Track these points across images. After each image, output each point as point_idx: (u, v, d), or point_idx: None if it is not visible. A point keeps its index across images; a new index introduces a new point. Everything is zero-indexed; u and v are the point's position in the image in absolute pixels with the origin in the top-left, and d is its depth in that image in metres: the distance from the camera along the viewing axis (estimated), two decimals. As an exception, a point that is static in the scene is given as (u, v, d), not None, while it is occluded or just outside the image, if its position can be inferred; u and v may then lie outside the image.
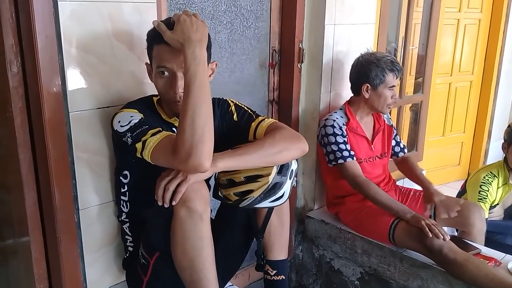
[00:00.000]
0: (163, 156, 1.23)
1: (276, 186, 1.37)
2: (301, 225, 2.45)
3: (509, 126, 2.38)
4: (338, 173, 2.15)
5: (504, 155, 2.41)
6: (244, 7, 2.04)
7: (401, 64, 2.77)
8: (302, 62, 2.21)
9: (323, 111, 2.29)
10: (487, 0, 3.56)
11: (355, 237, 2.18)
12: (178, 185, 1.22)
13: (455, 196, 2.47)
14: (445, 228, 1.92)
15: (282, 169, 1.37)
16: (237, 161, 1.29)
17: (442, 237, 1.80)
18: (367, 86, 2.07)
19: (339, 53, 2.27)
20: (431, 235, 1.81)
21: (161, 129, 1.28)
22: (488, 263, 1.89)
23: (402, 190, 2.35)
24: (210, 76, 1.38)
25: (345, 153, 2.05)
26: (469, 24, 3.55)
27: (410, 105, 3.14)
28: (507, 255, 2.00)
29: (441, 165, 3.79)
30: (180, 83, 1.27)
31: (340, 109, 2.18)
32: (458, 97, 3.69)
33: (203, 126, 1.17)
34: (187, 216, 1.23)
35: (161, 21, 1.29)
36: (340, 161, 2.06)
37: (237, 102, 1.54)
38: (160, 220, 1.31)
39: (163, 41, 1.24)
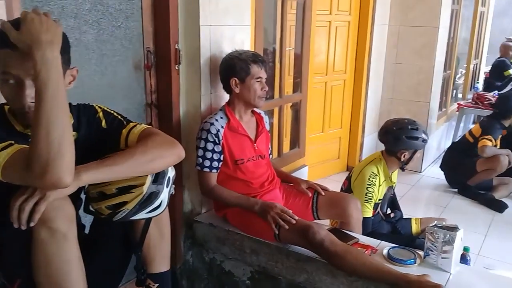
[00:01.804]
0: (15, 173, 1.09)
1: (152, 196, 1.29)
2: (190, 230, 2.39)
3: (413, 125, 2.50)
4: (223, 175, 2.14)
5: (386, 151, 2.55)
6: (111, 5, 1.91)
7: (280, 65, 2.87)
8: (179, 63, 2.15)
9: (205, 113, 2.25)
10: (355, 4, 3.82)
11: (243, 238, 2.18)
12: (36, 203, 1.08)
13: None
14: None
15: (158, 178, 1.30)
16: (105, 172, 1.19)
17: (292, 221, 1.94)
18: (235, 80, 2.10)
19: (217, 54, 2.24)
20: (277, 232, 1.96)
21: (12, 142, 1.13)
22: (365, 251, 2.01)
23: (287, 187, 2.40)
24: (70, 83, 1.26)
25: (206, 163, 2.08)
26: (340, 26, 3.77)
27: (290, 104, 3.25)
28: (382, 241, 2.14)
29: (322, 160, 3.99)
30: (29, 92, 1.13)
31: (221, 110, 2.16)
32: (333, 95, 3.90)
33: (60, 138, 1.05)
34: (49, 237, 1.10)
35: (9, 21, 1.14)
36: (198, 167, 2.10)
37: (105, 108, 1.42)
38: (18, 244, 1.16)
39: (7, 44, 1.09)
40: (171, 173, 1.34)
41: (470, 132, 3.91)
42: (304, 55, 3.10)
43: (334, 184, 2.74)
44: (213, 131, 2.06)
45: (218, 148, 2.08)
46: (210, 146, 2.07)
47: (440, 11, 3.92)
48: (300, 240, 1.93)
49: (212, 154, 2.08)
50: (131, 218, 1.30)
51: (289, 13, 3.07)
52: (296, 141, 3.29)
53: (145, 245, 1.44)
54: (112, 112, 1.42)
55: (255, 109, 2.25)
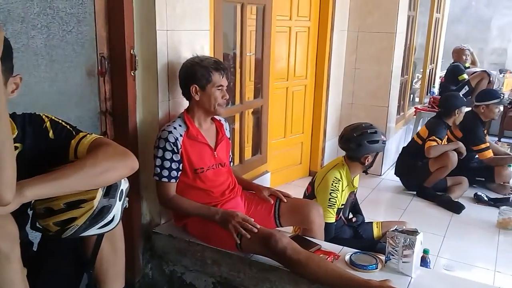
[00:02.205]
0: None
1: (103, 211, 1.22)
2: (148, 242, 2.31)
3: (371, 128, 2.51)
4: (182, 185, 2.08)
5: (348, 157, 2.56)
6: (62, 9, 1.82)
7: (240, 70, 2.84)
8: (135, 69, 2.08)
9: (163, 120, 2.19)
10: (315, 9, 3.84)
11: (204, 248, 2.13)
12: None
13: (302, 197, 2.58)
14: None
15: (110, 191, 1.23)
16: (51, 187, 1.11)
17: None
18: (195, 87, 2.05)
19: (175, 59, 2.19)
20: (238, 241, 1.93)
21: None
22: (328, 257, 2.00)
23: (249, 195, 2.36)
24: (13, 92, 1.17)
25: (165, 172, 2.03)
26: (300, 32, 3.78)
27: (252, 110, 3.21)
28: (344, 247, 2.14)
29: (285, 165, 3.98)
30: None
31: (179, 117, 2.10)
32: (295, 100, 3.91)
33: None
34: (-10, 259, 1.01)
35: None
36: (156, 178, 2.04)
37: (53, 117, 1.34)
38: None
39: None
40: (124, 185, 1.28)
41: (418, 134, 4.02)
42: (265, 60, 3.08)
43: (297, 190, 2.73)
44: (171, 139, 2.00)
45: (176, 157, 2.02)
46: (168, 155, 2.00)
47: (397, 17, 4.01)
48: (262, 249, 1.90)
49: (171, 163, 2.02)
50: (81, 235, 1.22)
51: (249, 18, 3.05)
52: (258, 147, 3.26)
53: (98, 262, 1.37)
54: (60, 121, 1.34)
55: (215, 116, 2.20)
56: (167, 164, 2.01)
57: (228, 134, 2.30)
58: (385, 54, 4.12)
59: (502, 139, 5.58)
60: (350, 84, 4.32)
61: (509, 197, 3.83)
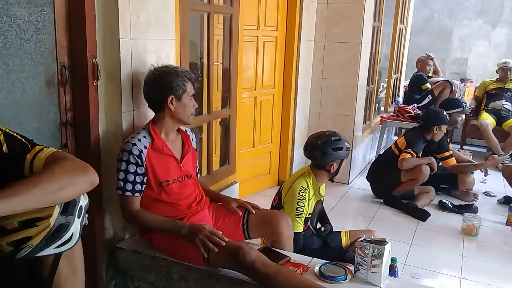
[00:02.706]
0: None
1: (61, 229, 1.15)
2: (112, 258, 2.23)
3: (334, 136, 2.51)
4: (146, 198, 2.02)
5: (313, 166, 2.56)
6: (20, 17, 1.74)
7: (208, 80, 2.80)
8: (98, 79, 2.01)
9: (127, 132, 2.12)
10: (282, 19, 3.86)
11: (170, 264, 2.07)
12: None
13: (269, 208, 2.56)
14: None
15: (68, 208, 1.17)
16: (4, 204, 1.04)
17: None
18: (172, 98, 1.99)
19: (140, 69, 2.13)
20: (206, 255, 1.89)
21: None
22: (297, 270, 1.97)
23: (216, 207, 2.32)
24: None
25: (128, 186, 1.96)
26: (268, 41, 3.78)
27: (219, 120, 3.18)
28: (313, 258, 2.12)
29: (254, 175, 3.95)
30: None
31: (144, 128, 2.04)
32: (263, 109, 3.89)
33: None
34: None
35: None
36: (119, 192, 1.97)
37: (7, 130, 1.27)
38: None
39: None
40: (83, 201, 1.21)
41: (396, 144, 4.07)
42: (232, 69, 3.06)
43: (266, 199, 2.70)
44: (135, 152, 1.93)
45: (141, 170, 1.96)
46: (132, 168, 1.94)
47: (362, 27, 4.07)
48: (230, 262, 1.86)
49: (135, 177, 1.95)
50: (37, 255, 1.15)
51: (216, 27, 3.03)
52: (226, 157, 3.22)
53: (55, 283, 1.29)
54: (15, 134, 1.26)
55: (181, 127, 2.16)
56: (130, 177, 1.95)
57: (194, 145, 2.25)
58: (351, 64, 4.17)
59: (464, 147, 5.74)
60: (318, 93, 4.36)
61: (473, 204, 3.92)
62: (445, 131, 4.00)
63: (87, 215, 1.25)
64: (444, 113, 4.01)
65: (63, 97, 1.98)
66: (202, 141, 2.99)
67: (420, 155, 3.92)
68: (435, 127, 3.89)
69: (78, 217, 1.19)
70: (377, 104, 5.77)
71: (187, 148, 2.15)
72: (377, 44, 4.92)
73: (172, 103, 2.01)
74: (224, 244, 1.87)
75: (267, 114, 3.96)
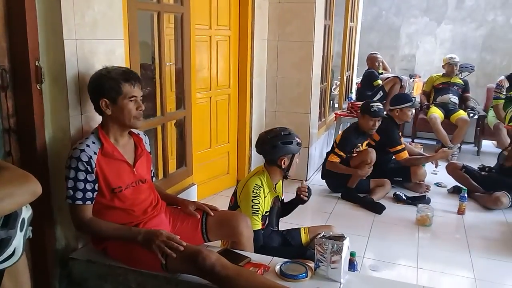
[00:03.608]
0: None
1: (2, 244, 1.07)
2: (65, 269, 2.13)
3: (285, 130, 2.51)
4: (99, 206, 1.94)
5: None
6: (-50, 17, 1.62)
7: (160, 80, 2.72)
8: (41, 82, 1.91)
9: (75, 137, 2.03)
10: (234, 18, 3.83)
11: (127, 272, 2.00)
12: None
13: (227, 209, 2.52)
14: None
15: (9, 221, 1.09)
16: None
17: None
18: (105, 101, 1.91)
19: (86, 70, 2.04)
20: (164, 261, 1.84)
21: None
22: (258, 270, 1.95)
23: (173, 211, 2.26)
24: None
25: (78, 194, 1.87)
26: (221, 41, 3.74)
27: (174, 121, 3.11)
28: (274, 257, 2.11)
29: (212, 176, 3.90)
30: None
31: (93, 133, 1.96)
32: (219, 109, 3.85)
33: None
34: None
35: None
36: (69, 201, 1.89)
37: None
38: None
39: None
40: (25, 213, 1.13)
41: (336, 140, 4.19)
42: (186, 70, 3.00)
43: (225, 200, 2.67)
44: (84, 158, 1.85)
45: (91, 177, 1.87)
46: (81, 175, 1.85)
47: (314, 26, 4.11)
48: (189, 267, 1.82)
49: (85, 184, 1.86)
50: (-23, 273, 1.07)
51: (167, 27, 2.96)
52: (182, 159, 3.16)
53: (-1, 301, 1.21)
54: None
55: (132, 130, 2.08)
56: (80, 185, 1.86)
57: (148, 148, 2.18)
58: (304, 62, 4.20)
59: (415, 140, 5.92)
60: (273, 92, 4.36)
61: (425, 195, 4.06)
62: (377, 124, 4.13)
63: (30, 228, 1.17)
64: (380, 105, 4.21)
65: (5, 102, 1.87)
66: (157, 144, 2.91)
67: (364, 145, 4.10)
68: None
69: (21, 230, 1.11)
70: (331, 101, 5.86)
71: (140, 151, 2.07)
72: (329, 42, 4.98)
73: (107, 107, 1.92)
74: (182, 248, 1.83)
75: (223, 114, 3.92)
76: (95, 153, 1.88)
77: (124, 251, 1.97)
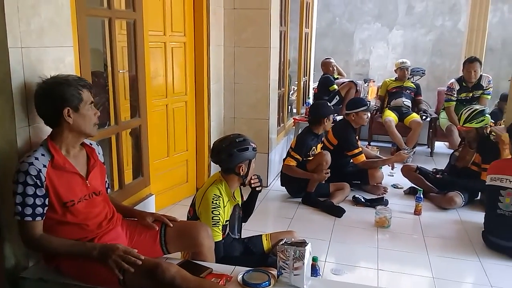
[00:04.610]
0: None
1: None
2: (15, 289, 2.00)
3: (239, 137, 2.48)
4: (50, 221, 1.84)
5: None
6: None
7: (113, 88, 2.64)
8: (-15, 92, 1.80)
9: (23, 150, 1.92)
10: (189, 25, 3.78)
11: (82, 289, 1.90)
12: None
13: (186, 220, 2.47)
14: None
15: None
16: None
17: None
18: (68, 110, 1.83)
19: (34, 79, 1.93)
20: (121, 277, 1.77)
21: None
22: (219, 281, 1.91)
23: (130, 224, 2.18)
24: None
25: (27, 210, 1.77)
26: (176, 47, 3.68)
27: (129, 130, 3.02)
28: (236, 267, 2.08)
29: (170, 185, 3.83)
30: None
31: (42, 145, 1.85)
32: (176, 117, 3.79)
33: None
34: None
35: None
36: (17, 217, 1.78)
37: None
38: None
39: None
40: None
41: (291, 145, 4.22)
42: (140, 77, 2.92)
43: (185, 210, 2.59)
44: (33, 172, 1.75)
45: (40, 192, 1.77)
46: (30, 190, 1.75)
47: (270, 32, 4.12)
48: (148, 282, 1.75)
49: (34, 199, 1.76)
50: None
51: (120, 33, 2.88)
52: (139, 169, 3.06)
53: None
54: None
55: (85, 140, 1.99)
56: (29, 200, 1.75)
57: (102, 159, 2.10)
58: (261, 68, 4.21)
59: (371, 143, 6.06)
60: (231, 98, 4.34)
61: (383, 197, 4.14)
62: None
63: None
64: (328, 104, 4.34)
65: None
66: (111, 154, 2.81)
67: (319, 148, 4.18)
68: (324, 119, 4.07)
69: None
70: (289, 107, 5.90)
71: (92, 162, 1.99)
72: (285, 48, 5.02)
73: (69, 116, 1.84)
74: (140, 262, 1.76)
75: (180, 122, 3.86)
76: (44, 166, 1.78)
77: (78, 267, 1.88)
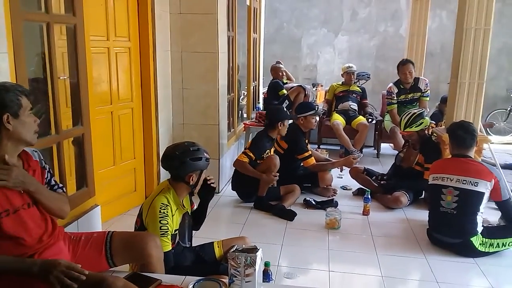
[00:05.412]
0: None
1: None
2: None
3: (193, 146, 2.43)
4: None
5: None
6: None
7: (53, 96, 2.51)
8: None
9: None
10: (133, 29, 3.68)
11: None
12: None
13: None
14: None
15: None
16: None
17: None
18: (8, 116, 1.72)
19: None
20: None
21: None
22: (169, 292, 1.86)
23: (73, 237, 2.07)
24: None
25: None
26: (120, 52, 3.57)
27: (72, 139, 2.89)
28: (186, 276, 2.02)
29: (117, 195, 3.70)
30: None
31: (-26, 155, 1.73)
32: (122, 124, 3.67)
33: None
34: None
35: None
36: None
37: None
38: None
39: None
40: None
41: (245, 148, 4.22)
42: (82, 84, 2.80)
43: (133, 220, 2.50)
44: None
45: None
46: None
47: (217, 37, 4.10)
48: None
49: None
50: None
51: (60, 39, 2.76)
52: (83, 179, 2.94)
53: None
54: None
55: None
56: None
57: (42, 164, 1.97)
58: (210, 73, 4.17)
59: (321, 146, 6.16)
60: (179, 104, 4.27)
61: (333, 199, 4.21)
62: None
63: None
64: (284, 109, 4.36)
65: None
66: (53, 164, 2.68)
67: (272, 152, 4.20)
68: (279, 123, 4.10)
69: None
70: (239, 112, 5.90)
71: (27, 167, 1.86)
72: (234, 53, 5.02)
73: (9, 122, 1.73)
74: (84, 278, 1.67)
75: (127, 129, 3.75)
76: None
77: (17, 285, 1.75)
